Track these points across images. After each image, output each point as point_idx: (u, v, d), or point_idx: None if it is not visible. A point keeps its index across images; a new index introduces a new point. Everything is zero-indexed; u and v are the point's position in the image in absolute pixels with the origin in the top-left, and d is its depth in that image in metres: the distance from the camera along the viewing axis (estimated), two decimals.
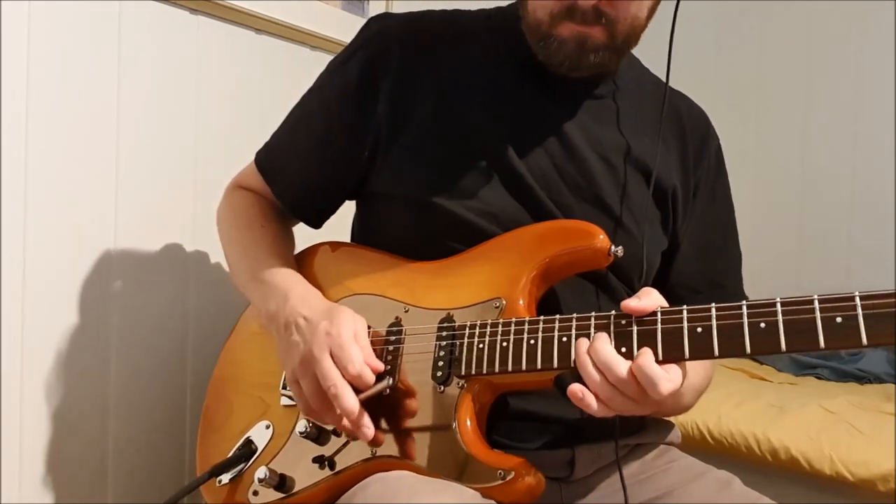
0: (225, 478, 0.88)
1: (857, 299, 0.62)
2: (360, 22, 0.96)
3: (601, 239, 0.79)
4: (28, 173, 1.01)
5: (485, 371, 0.76)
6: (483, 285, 0.81)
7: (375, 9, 1.50)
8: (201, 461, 0.94)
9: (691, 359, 0.68)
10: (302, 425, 0.82)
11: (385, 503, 0.70)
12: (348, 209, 1.01)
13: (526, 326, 0.75)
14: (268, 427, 0.88)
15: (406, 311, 0.84)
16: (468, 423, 0.75)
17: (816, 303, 0.63)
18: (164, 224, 1.19)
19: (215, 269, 1.26)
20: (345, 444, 0.81)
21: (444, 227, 0.86)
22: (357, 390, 0.76)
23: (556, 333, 0.73)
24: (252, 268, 0.92)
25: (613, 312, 0.72)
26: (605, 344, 0.69)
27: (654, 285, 0.78)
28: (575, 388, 0.69)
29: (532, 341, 0.74)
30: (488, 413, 0.80)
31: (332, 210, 1.00)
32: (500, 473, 0.71)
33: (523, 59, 0.88)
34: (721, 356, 0.67)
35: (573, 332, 0.73)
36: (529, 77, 0.89)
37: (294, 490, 0.82)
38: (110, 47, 1.10)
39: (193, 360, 1.23)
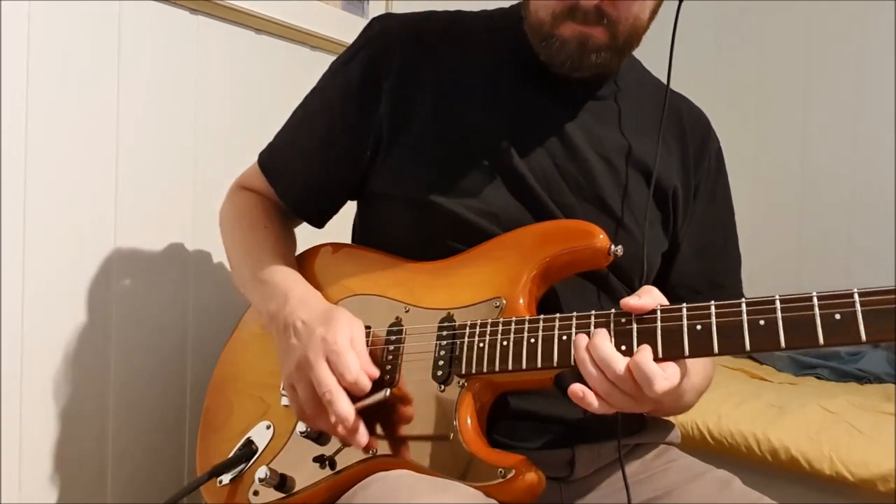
0: (225, 478, 0.88)
1: (856, 296, 0.62)
2: (360, 22, 0.97)
3: (601, 238, 0.79)
4: (28, 173, 1.01)
5: (485, 370, 0.76)
6: (483, 285, 0.81)
7: (375, 9, 1.50)
8: (201, 461, 0.94)
9: (691, 356, 0.69)
10: (302, 425, 0.82)
11: (385, 503, 0.70)
12: (350, 209, 1.01)
13: (526, 325, 0.75)
14: (268, 427, 0.88)
15: (406, 311, 0.84)
16: (469, 421, 0.75)
17: (815, 300, 0.64)
18: (164, 224, 1.19)
19: (215, 269, 1.25)
20: (345, 444, 0.80)
21: (444, 227, 0.86)
22: (353, 397, 0.76)
23: (556, 332, 0.74)
24: (254, 269, 0.92)
25: (613, 311, 0.72)
26: (603, 340, 0.69)
27: (654, 285, 0.78)
28: (576, 387, 0.69)
29: (532, 340, 0.74)
30: (489, 412, 0.80)
31: (335, 210, 1.01)
32: (500, 472, 0.71)
33: (525, 60, 0.88)
34: (721, 353, 0.67)
35: (573, 330, 0.73)
36: (531, 77, 0.89)
37: (294, 490, 0.82)
38: (110, 47, 1.10)
39: (193, 360, 1.23)
